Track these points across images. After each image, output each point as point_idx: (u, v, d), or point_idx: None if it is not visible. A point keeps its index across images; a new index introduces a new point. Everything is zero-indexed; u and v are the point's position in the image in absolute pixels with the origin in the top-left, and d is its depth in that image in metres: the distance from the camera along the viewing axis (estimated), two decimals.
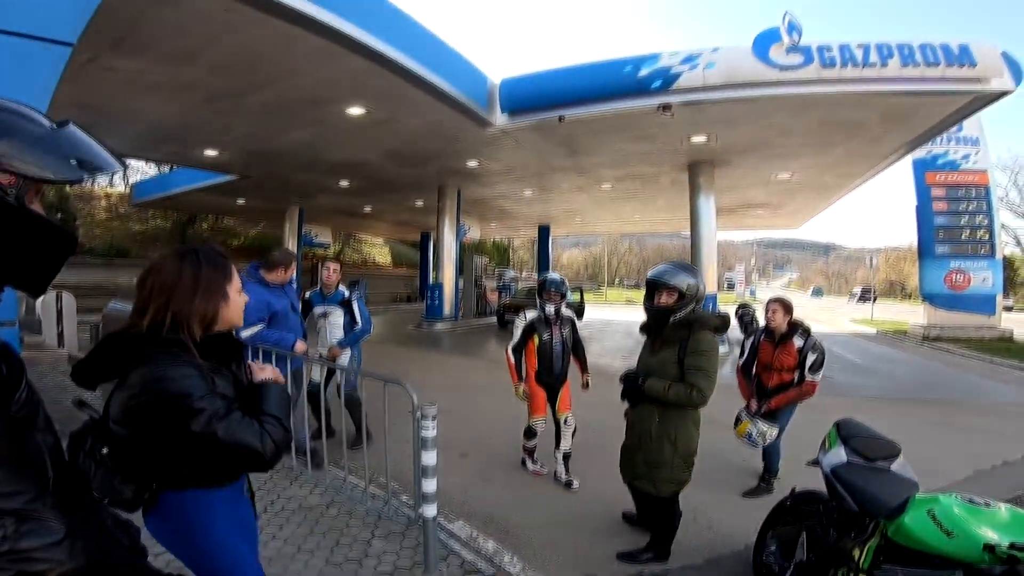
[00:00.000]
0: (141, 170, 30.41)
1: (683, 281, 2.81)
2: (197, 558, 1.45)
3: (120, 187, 29.24)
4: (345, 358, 4.62)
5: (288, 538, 3.00)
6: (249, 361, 1.54)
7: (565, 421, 4.11)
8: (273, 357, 3.70)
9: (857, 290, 54.37)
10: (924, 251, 16.10)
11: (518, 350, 4.15)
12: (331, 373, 4.52)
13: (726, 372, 7.57)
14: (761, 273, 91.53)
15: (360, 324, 4.65)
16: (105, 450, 1.27)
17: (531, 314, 4.16)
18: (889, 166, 13.87)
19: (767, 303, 4.17)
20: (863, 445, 2.35)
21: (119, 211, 26.38)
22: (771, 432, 3.72)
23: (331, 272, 4.67)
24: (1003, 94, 8.65)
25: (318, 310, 4.67)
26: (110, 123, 10.56)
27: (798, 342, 3.93)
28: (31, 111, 0.90)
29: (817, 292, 70.44)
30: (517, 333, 4.16)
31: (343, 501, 3.49)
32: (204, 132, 11.42)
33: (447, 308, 17.04)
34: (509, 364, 4.15)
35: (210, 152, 13.13)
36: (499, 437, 5.25)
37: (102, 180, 29.18)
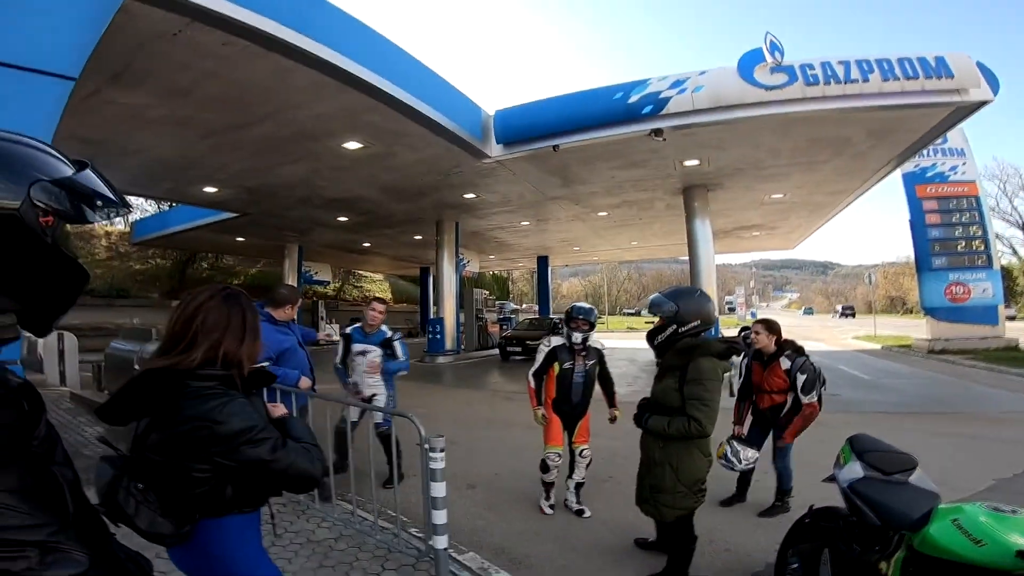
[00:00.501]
0: (141, 208, 30.68)
1: (663, 308, 2.86)
2: None
3: (120, 226, 29.48)
4: (382, 397, 4.55)
5: (297, 572, 2.92)
6: (269, 403, 1.63)
7: (580, 453, 3.99)
8: (277, 393, 3.67)
9: (839, 307, 66.29)
10: (921, 265, 16.17)
11: (538, 375, 4.05)
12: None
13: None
14: (761, 295, 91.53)
15: (401, 358, 4.63)
16: (141, 486, 1.31)
17: (556, 340, 4.05)
18: (878, 181, 13.99)
19: (752, 325, 4.20)
20: (879, 459, 2.31)
21: (119, 250, 26.48)
22: (747, 453, 3.49)
23: (376, 312, 4.61)
24: (982, 104, 8.78)
25: (357, 347, 4.59)
26: (110, 158, 10.60)
27: (785, 363, 3.91)
28: (55, 151, 0.91)
29: (808, 311, 76.44)
30: (539, 358, 4.06)
31: (352, 535, 3.41)
32: (202, 168, 11.48)
33: (449, 342, 16.95)
34: (529, 389, 4.08)
35: (208, 189, 13.19)
36: (506, 467, 5.19)
37: (104, 220, 29.49)
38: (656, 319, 2.93)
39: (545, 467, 3.94)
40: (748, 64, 8.92)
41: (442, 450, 2.74)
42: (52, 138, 3.85)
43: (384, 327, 4.67)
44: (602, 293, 54.98)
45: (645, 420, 2.87)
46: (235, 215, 16.27)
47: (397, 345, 4.61)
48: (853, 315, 58.04)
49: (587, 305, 4.12)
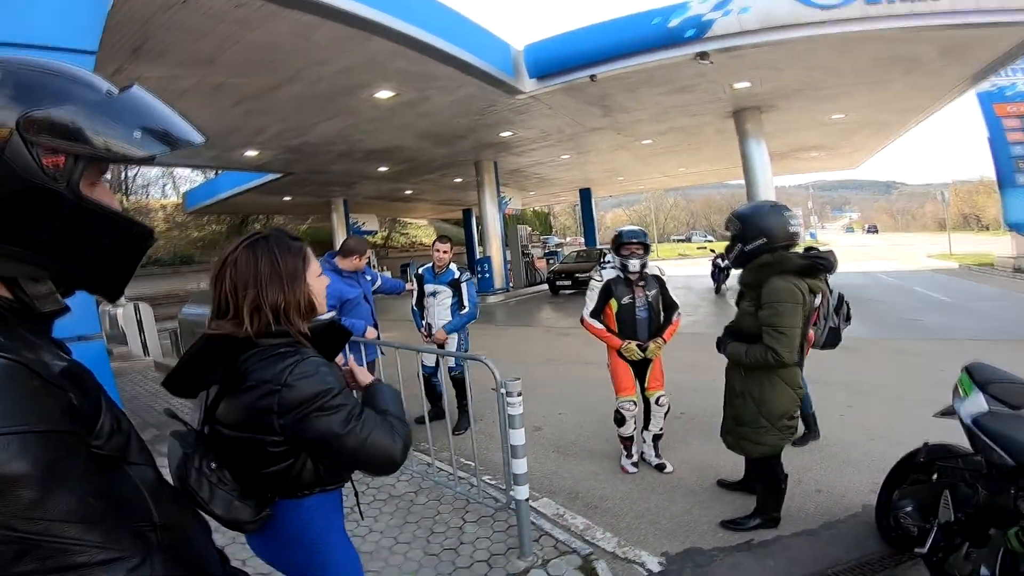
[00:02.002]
0: (189, 179, 31.63)
1: (730, 225, 2.72)
2: (315, 570, 1.34)
3: (173, 197, 30.54)
4: (453, 343, 4.55)
5: (384, 530, 2.94)
6: (346, 366, 1.42)
7: (657, 401, 3.49)
8: (361, 346, 3.68)
9: (865, 227, 78.82)
10: (1004, 181, 14.76)
11: (595, 315, 3.53)
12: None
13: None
14: (820, 216, 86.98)
15: (467, 308, 4.54)
16: (214, 465, 1.17)
17: (608, 273, 3.50)
18: (953, 100, 12.93)
19: None
20: (1006, 391, 2.05)
21: (176, 220, 27.57)
22: None
23: (441, 253, 4.56)
24: None
25: (428, 288, 4.59)
26: None
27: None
28: (82, 73, 0.71)
29: (872, 229, 79.23)
30: (592, 296, 3.52)
31: (430, 487, 3.41)
32: (240, 134, 11.56)
33: (498, 281, 17.00)
34: (596, 331, 3.50)
35: (250, 153, 13.32)
36: (571, 406, 5.12)
37: (155, 193, 30.59)
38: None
39: (621, 419, 3.48)
40: None
41: (519, 394, 2.58)
42: None
43: (453, 266, 4.60)
44: (649, 222, 53.35)
45: (724, 346, 2.68)
46: (279, 176, 16.46)
47: (464, 287, 4.53)
48: (876, 231, 71.84)
49: (636, 227, 3.66)
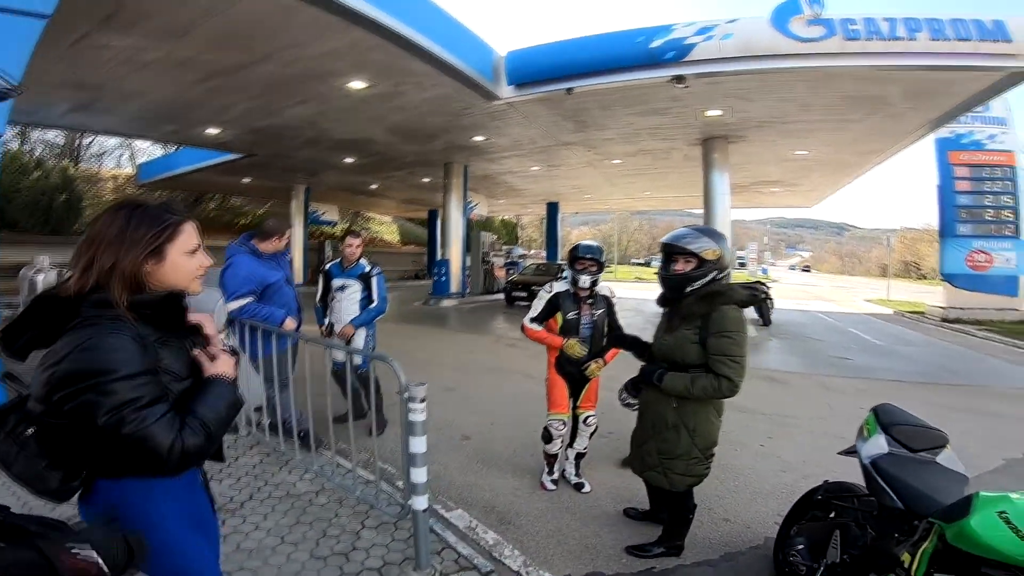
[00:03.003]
0: (147, 151, 30.23)
1: (703, 246, 2.46)
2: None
3: (127, 168, 29.10)
4: (360, 338, 4.42)
5: (272, 528, 2.80)
6: (197, 351, 1.32)
7: (585, 420, 3.48)
8: (272, 334, 3.51)
9: (795, 264, 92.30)
10: (945, 231, 15.66)
11: (538, 323, 3.46)
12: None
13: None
14: (773, 252, 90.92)
15: (376, 302, 4.42)
16: (31, 431, 1.11)
17: (558, 285, 3.45)
18: (910, 144, 13.51)
19: None
20: (906, 434, 2.09)
21: (126, 192, 26.25)
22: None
23: (353, 247, 4.45)
24: None
25: (336, 282, 4.47)
26: (109, 103, 10.40)
27: None
28: None
29: (805, 269, 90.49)
30: (538, 305, 3.44)
31: (334, 488, 3.28)
32: (204, 110, 11.15)
33: (454, 285, 16.87)
34: (536, 335, 3.42)
35: (212, 131, 12.85)
36: (503, 416, 5.08)
37: (110, 163, 29.14)
38: (679, 260, 2.52)
39: (548, 436, 3.43)
40: (783, 15, 8.42)
41: (423, 400, 2.44)
42: (23, 76, 3.57)
43: (363, 261, 4.50)
44: (613, 242, 54.25)
45: (659, 377, 2.52)
46: (240, 156, 15.90)
47: (374, 281, 4.42)
48: (809, 271, 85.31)
49: (594, 242, 3.50)
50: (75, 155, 27.86)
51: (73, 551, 0.91)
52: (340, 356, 4.27)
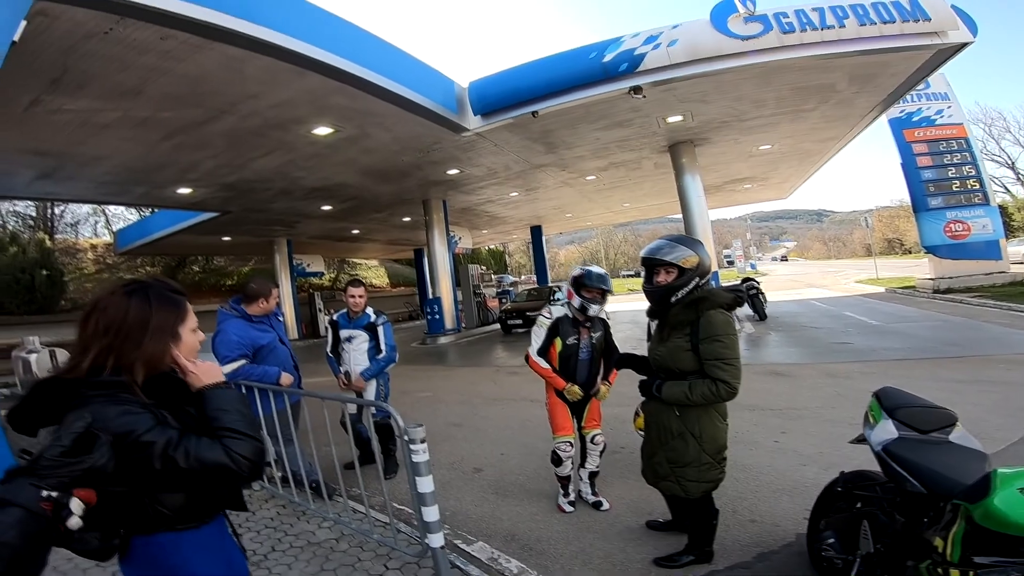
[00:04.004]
0: (123, 217, 30.11)
1: (680, 255, 2.49)
2: None
3: (105, 236, 28.92)
4: (371, 389, 4.37)
5: None
6: (182, 375, 1.35)
7: (592, 439, 3.46)
8: (269, 393, 3.47)
9: (777, 255, 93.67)
10: (917, 206, 16.02)
11: (543, 353, 3.45)
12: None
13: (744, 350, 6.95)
14: (758, 246, 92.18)
15: (384, 352, 4.36)
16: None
17: (557, 311, 3.44)
18: (866, 127, 13.91)
19: None
20: (913, 416, 2.04)
21: (107, 262, 26.04)
22: None
23: (356, 297, 4.40)
24: (963, 45, 8.78)
25: (344, 333, 4.43)
26: (73, 168, 10.26)
27: None
28: None
29: (783, 259, 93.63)
30: (540, 333, 3.44)
31: (353, 534, 3.22)
32: (171, 169, 11.07)
33: (448, 321, 16.77)
34: (540, 370, 3.43)
35: (182, 190, 12.75)
36: (514, 445, 5.01)
37: (86, 231, 28.99)
38: (660, 272, 2.56)
39: (557, 459, 3.41)
40: (721, 15, 8.75)
41: (423, 440, 2.48)
42: None
43: (369, 310, 4.46)
44: (600, 257, 54.67)
45: (656, 388, 2.54)
46: (216, 214, 15.83)
47: (380, 331, 4.38)
48: (787, 259, 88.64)
49: (601, 270, 3.45)
50: (49, 226, 27.53)
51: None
52: (352, 408, 4.24)
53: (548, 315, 3.46)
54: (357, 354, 4.37)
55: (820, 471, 3.56)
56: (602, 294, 3.36)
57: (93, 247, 26.99)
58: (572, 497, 3.51)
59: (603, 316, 3.49)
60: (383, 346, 4.36)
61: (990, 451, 2.07)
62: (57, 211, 28.07)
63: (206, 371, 1.31)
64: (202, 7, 5.71)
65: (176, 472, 1.14)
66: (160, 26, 5.69)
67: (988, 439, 3.80)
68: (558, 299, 3.56)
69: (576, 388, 3.35)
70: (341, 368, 4.45)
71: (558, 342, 3.41)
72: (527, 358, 3.51)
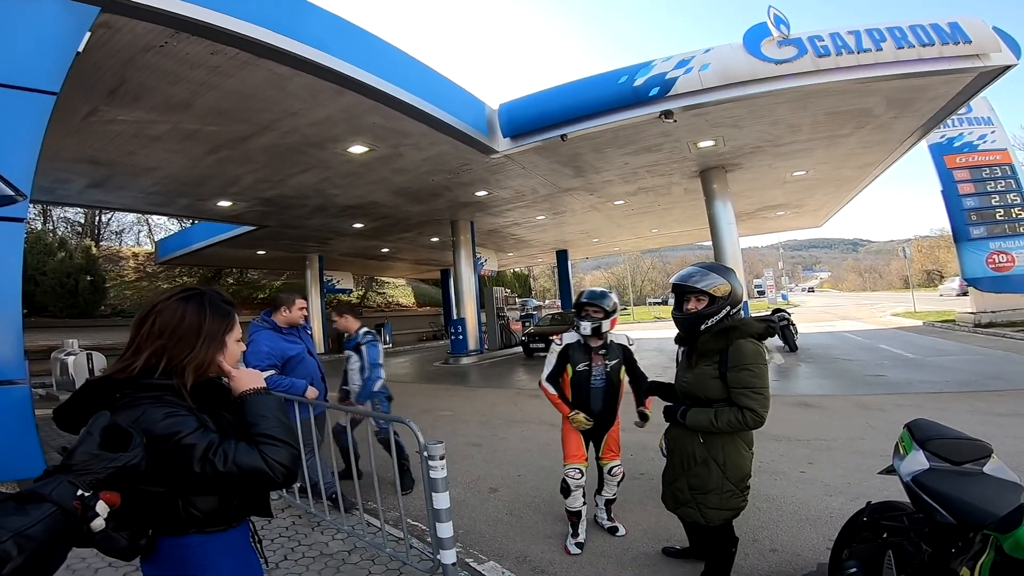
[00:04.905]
0: (165, 227, 31.36)
1: (712, 283, 2.46)
2: None
3: (147, 245, 30.11)
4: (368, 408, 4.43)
5: None
6: (224, 380, 1.41)
7: (610, 471, 3.33)
8: (294, 403, 3.54)
9: (806, 286, 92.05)
10: (959, 235, 15.39)
11: (553, 380, 3.35)
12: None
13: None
14: (791, 276, 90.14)
15: (368, 371, 4.34)
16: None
17: (568, 337, 3.34)
18: (904, 153, 13.47)
19: None
20: (945, 447, 1.98)
21: (147, 270, 27.07)
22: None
23: (340, 322, 4.56)
24: (1006, 68, 8.40)
25: (345, 354, 4.61)
26: (123, 179, 10.77)
27: None
28: None
29: (810, 290, 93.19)
30: (551, 360, 3.35)
31: (365, 547, 3.23)
32: (214, 183, 11.56)
33: (471, 342, 16.89)
34: (550, 396, 3.33)
35: (223, 203, 13.26)
36: (531, 467, 4.97)
37: (129, 240, 30.20)
38: (691, 299, 2.52)
39: (566, 489, 3.19)
40: (754, 39, 8.60)
41: (442, 457, 2.50)
42: (39, 154, 3.79)
43: (361, 331, 4.55)
44: (627, 284, 54.19)
45: (682, 414, 2.50)
46: (253, 228, 16.40)
47: (364, 350, 4.41)
48: (813, 291, 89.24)
49: (600, 288, 3.30)
50: (96, 233, 28.87)
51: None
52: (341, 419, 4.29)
53: (559, 341, 3.37)
54: (353, 373, 4.47)
55: (846, 502, 3.44)
56: (601, 312, 3.20)
57: (135, 255, 28.16)
58: (581, 538, 3.28)
59: (623, 342, 3.36)
60: (367, 365, 4.37)
61: None
62: (104, 219, 29.41)
63: (248, 376, 1.35)
64: (253, 24, 6.01)
65: (214, 475, 1.17)
66: (211, 41, 6.00)
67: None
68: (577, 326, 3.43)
69: (581, 416, 3.18)
70: (345, 387, 4.63)
71: (569, 369, 3.30)
72: (540, 383, 3.43)
